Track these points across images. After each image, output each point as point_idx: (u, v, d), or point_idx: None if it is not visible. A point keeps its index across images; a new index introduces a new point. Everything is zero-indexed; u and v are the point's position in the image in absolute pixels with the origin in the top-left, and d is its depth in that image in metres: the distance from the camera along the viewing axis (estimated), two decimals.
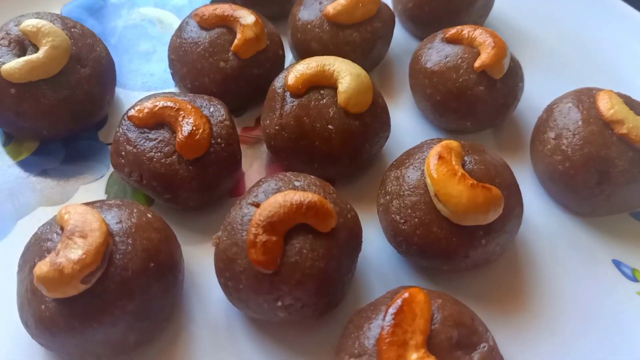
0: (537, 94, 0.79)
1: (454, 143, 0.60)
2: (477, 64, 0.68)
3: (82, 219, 0.50)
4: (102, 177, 0.69)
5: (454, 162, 0.58)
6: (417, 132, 0.74)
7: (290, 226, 0.52)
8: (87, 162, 0.70)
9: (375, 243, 0.64)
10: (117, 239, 0.52)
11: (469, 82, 0.69)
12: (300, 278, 0.51)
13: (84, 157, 0.70)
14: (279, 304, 0.51)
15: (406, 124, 0.75)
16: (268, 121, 0.65)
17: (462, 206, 0.55)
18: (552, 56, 0.86)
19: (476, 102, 0.69)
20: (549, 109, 0.70)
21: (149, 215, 0.56)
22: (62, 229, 0.52)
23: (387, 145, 0.71)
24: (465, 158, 0.60)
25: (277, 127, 0.63)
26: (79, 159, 0.70)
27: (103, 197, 0.67)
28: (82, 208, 0.52)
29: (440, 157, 0.58)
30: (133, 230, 0.53)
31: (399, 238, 0.59)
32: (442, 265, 0.59)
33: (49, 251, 0.51)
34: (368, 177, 0.69)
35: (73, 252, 0.48)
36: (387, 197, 0.61)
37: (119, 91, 0.77)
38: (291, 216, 0.52)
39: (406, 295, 0.50)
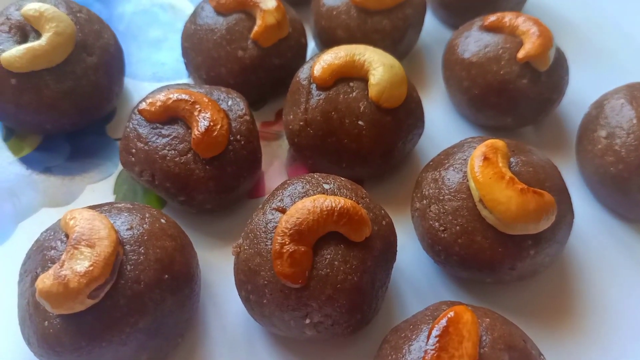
0: (581, 87, 0.74)
1: (499, 142, 0.55)
2: (520, 54, 0.63)
3: (89, 226, 0.46)
4: (110, 175, 0.65)
5: (500, 164, 0.53)
6: (451, 129, 0.70)
7: (320, 235, 0.48)
8: (94, 159, 0.66)
9: (409, 251, 0.59)
10: (127, 247, 0.47)
11: (511, 74, 0.64)
12: (331, 293, 0.47)
13: (91, 154, 0.66)
14: (307, 321, 0.47)
15: (439, 120, 0.71)
16: (291, 116, 0.60)
17: (511, 213, 0.50)
18: (595, 46, 0.81)
19: (518, 97, 0.64)
20: (599, 105, 0.65)
21: (163, 221, 0.51)
22: (67, 236, 0.47)
23: (419, 142, 0.67)
24: (511, 159, 0.55)
25: (301, 123, 0.59)
26: (85, 156, 0.66)
27: (111, 197, 0.63)
28: (89, 213, 0.47)
29: (485, 158, 0.53)
30: (145, 237, 0.48)
31: (438, 247, 0.54)
32: (485, 277, 0.55)
33: (52, 261, 0.47)
34: (399, 178, 0.65)
35: (79, 264, 0.44)
36: (424, 202, 0.56)
37: (128, 82, 0.73)
38: (321, 224, 0.47)
39: (451, 314, 0.45)
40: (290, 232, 0.47)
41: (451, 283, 0.58)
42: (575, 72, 0.73)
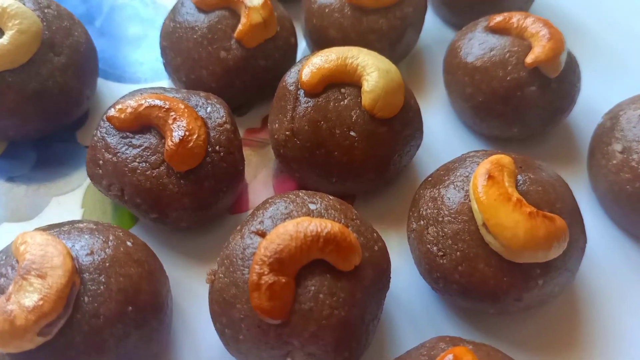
0: (593, 96, 0.69)
1: (505, 158, 0.50)
2: (529, 59, 0.59)
3: (41, 253, 0.41)
4: (78, 187, 0.60)
5: (507, 184, 0.48)
6: (452, 139, 0.66)
7: (303, 264, 0.43)
8: (62, 168, 0.61)
9: (404, 275, 0.55)
10: (86, 276, 0.43)
11: (518, 80, 0.59)
12: (315, 330, 0.42)
13: (59, 163, 0.62)
14: None
15: (439, 129, 0.66)
16: (277, 125, 0.55)
17: (518, 240, 0.45)
18: (608, 51, 0.76)
19: (526, 106, 0.60)
20: (613, 116, 0.60)
21: (129, 244, 0.46)
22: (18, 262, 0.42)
23: (417, 153, 0.62)
24: (519, 177, 0.50)
25: (287, 133, 0.54)
26: (53, 165, 0.62)
27: (78, 211, 0.58)
28: (42, 237, 0.42)
29: (489, 177, 0.48)
30: (107, 264, 0.44)
31: (436, 274, 0.50)
32: (488, 308, 0.50)
33: (2, 290, 0.42)
34: (394, 193, 0.61)
35: (28, 298, 0.39)
36: (422, 222, 0.51)
37: (102, 84, 0.68)
38: (305, 251, 0.43)
39: (450, 357, 0.40)
40: (270, 260, 0.42)
41: (450, 312, 0.53)
42: (586, 79, 0.68)
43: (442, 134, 0.66)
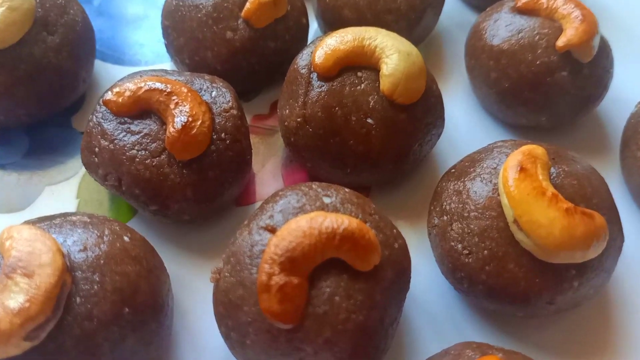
0: (626, 82, 0.65)
1: (538, 149, 0.46)
2: (560, 42, 0.55)
3: (29, 249, 0.37)
4: (74, 176, 0.57)
5: (540, 177, 0.44)
6: (474, 128, 0.62)
7: (317, 263, 0.40)
8: (56, 156, 0.58)
9: (424, 274, 0.51)
10: (78, 274, 0.39)
11: (548, 65, 0.56)
12: (330, 336, 0.39)
13: (52, 150, 0.58)
14: None
15: (459, 117, 0.63)
16: (287, 111, 0.52)
17: (554, 239, 0.42)
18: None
19: (556, 92, 0.57)
20: None
21: (126, 239, 0.43)
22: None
23: (437, 144, 0.58)
24: (552, 169, 0.46)
25: (299, 120, 0.51)
26: (46, 152, 0.58)
27: (73, 202, 0.55)
28: (30, 232, 0.38)
29: (522, 169, 0.44)
30: (102, 261, 0.40)
31: (460, 273, 0.46)
32: (516, 311, 0.47)
33: None
34: (413, 186, 0.57)
35: (13, 299, 0.36)
36: (445, 218, 0.47)
37: (100, 66, 0.65)
38: (320, 249, 0.39)
39: None
40: (281, 259, 0.38)
41: (474, 315, 0.50)
42: (618, 65, 0.63)
43: (463, 122, 0.63)
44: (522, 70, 0.56)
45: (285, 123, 0.53)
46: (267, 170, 0.58)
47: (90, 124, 0.50)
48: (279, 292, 0.38)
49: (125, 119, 0.49)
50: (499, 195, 0.46)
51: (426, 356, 0.43)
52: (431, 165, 0.59)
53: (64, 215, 0.44)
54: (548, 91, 0.56)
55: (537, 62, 0.56)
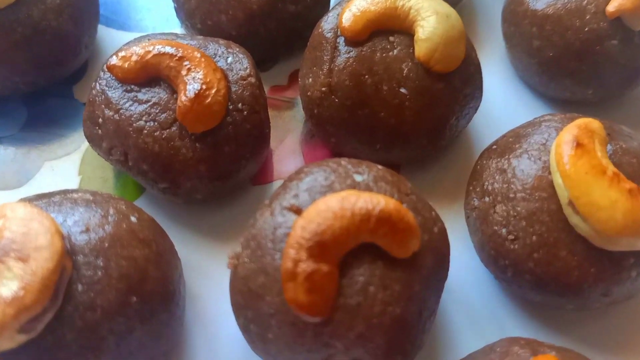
0: None
1: (594, 122, 0.42)
2: (611, 7, 0.51)
3: (24, 230, 0.33)
4: (76, 150, 0.53)
5: (599, 154, 0.39)
6: (513, 102, 0.58)
7: (349, 248, 0.36)
8: (56, 128, 0.54)
9: (461, 263, 0.47)
10: (80, 259, 0.35)
11: (598, 32, 0.52)
12: (363, 330, 0.35)
13: (53, 122, 0.55)
14: None
15: (496, 90, 0.58)
16: (311, 79, 0.48)
17: (615, 224, 0.38)
18: None
19: (605, 63, 0.53)
20: None
21: (133, 219, 0.39)
22: None
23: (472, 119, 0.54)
24: (608, 146, 0.42)
25: (324, 89, 0.48)
26: (46, 124, 0.55)
27: (75, 179, 0.51)
28: (26, 211, 0.34)
29: (578, 145, 0.40)
30: (106, 245, 0.36)
31: (504, 261, 0.43)
32: (566, 303, 0.43)
33: None
34: (446, 164, 0.54)
35: (6, 286, 0.32)
36: (487, 199, 0.43)
37: (104, 32, 0.61)
38: (352, 233, 0.35)
39: None
40: (309, 244, 0.34)
41: (517, 307, 0.46)
42: None
43: (499, 96, 0.58)
44: (569, 38, 0.52)
45: (308, 93, 0.49)
46: (286, 146, 0.54)
47: (94, 92, 0.46)
48: (306, 281, 0.34)
49: (132, 86, 0.45)
50: (550, 174, 0.42)
51: (463, 352, 0.40)
52: (466, 143, 0.55)
53: (64, 192, 0.40)
54: (596, 61, 0.52)
55: (585, 29, 0.52)
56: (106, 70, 0.46)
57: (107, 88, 0.45)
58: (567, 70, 0.54)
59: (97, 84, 0.46)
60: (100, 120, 0.45)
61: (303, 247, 0.34)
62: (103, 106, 0.45)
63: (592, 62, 0.52)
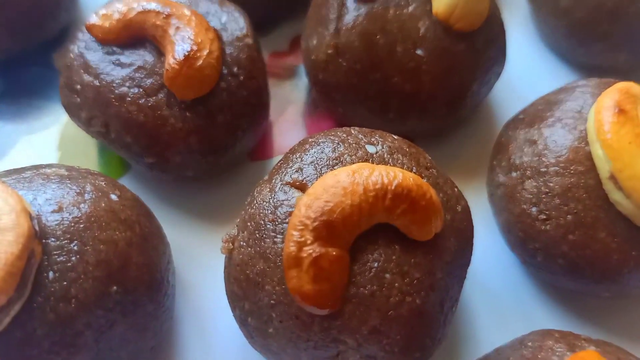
0: None
1: (637, 87, 0.38)
2: None
3: None
4: (55, 123, 0.49)
5: None
6: (537, 68, 0.55)
7: (362, 230, 0.32)
8: (35, 99, 0.51)
9: (483, 244, 0.44)
10: (51, 242, 0.31)
11: None
12: (378, 324, 0.31)
13: (30, 93, 0.51)
14: None
15: (519, 55, 0.55)
16: (315, 41, 0.45)
17: None
18: None
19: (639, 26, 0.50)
20: None
21: (114, 197, 0.35)
22: None
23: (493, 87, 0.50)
24: None
25: (330, 51, 0.44)
26: (23, 95, 0.51)
27: (54, 155, 0.48)
28: None
29: (620, 111, 0.36)
30: (81, 226, 0.32)
31: (534, 244, 0.39)
32: (602, 291, 0.40)
33: None
34: (465, 135, 0.50)
35: None
36: (515, 174, 0.39)
37: None
38: (365, 212, 0.31)
39: None
40: (315, 224, 0.30)
41: (546, 295, 0.43)
42: None
43: (523, 61, 0.55)
44: None
45: (312, 57, 0.44)
46: (287, 118, 0.50)
47: (71, 55, 0.42)
48: (312, 267, 0.30)
49: (114, 48, 0.41)
50: (587, 144, 0.38)
51: (487, 347, 0.37)
52: (487, 113, 0.51)
53: (37, 167, 0.36)
54: (630, 24, 0.49)
55: None
56: (85, 31, 0.41)
57: (85, 50, 0.41)
58: (598, 33, 0.50)
59: (76, 47, 0.41)
60: (78, 87, 0.41)
61: (308, 228, 0.30)
62: (81, 71, 0.41)
63: (625, 25, 0.49)
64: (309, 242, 0.30)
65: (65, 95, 0.42)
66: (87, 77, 0.40)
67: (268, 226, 0.32)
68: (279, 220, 0.32)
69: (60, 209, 0.32)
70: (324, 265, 0.30)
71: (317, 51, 0.44)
